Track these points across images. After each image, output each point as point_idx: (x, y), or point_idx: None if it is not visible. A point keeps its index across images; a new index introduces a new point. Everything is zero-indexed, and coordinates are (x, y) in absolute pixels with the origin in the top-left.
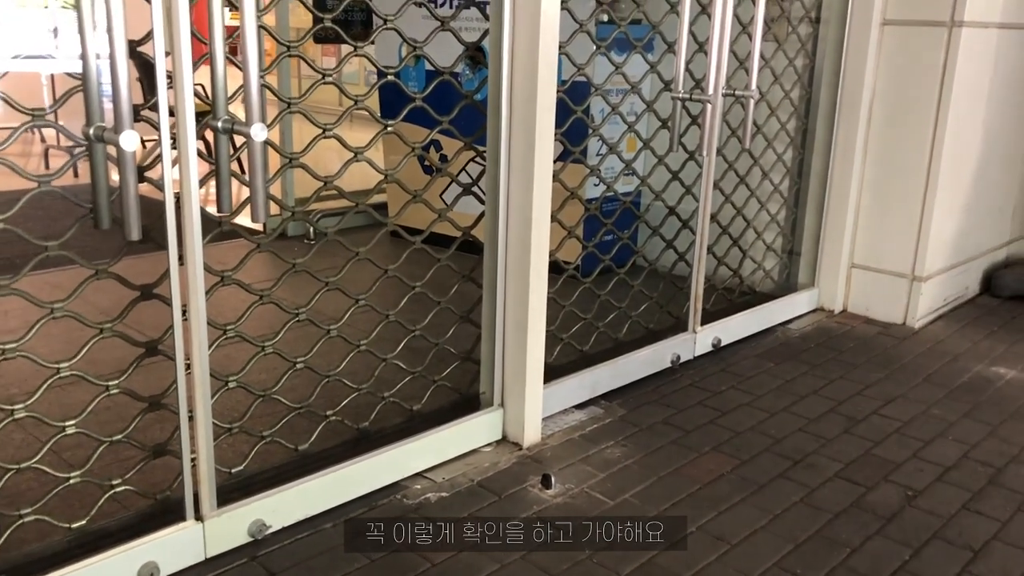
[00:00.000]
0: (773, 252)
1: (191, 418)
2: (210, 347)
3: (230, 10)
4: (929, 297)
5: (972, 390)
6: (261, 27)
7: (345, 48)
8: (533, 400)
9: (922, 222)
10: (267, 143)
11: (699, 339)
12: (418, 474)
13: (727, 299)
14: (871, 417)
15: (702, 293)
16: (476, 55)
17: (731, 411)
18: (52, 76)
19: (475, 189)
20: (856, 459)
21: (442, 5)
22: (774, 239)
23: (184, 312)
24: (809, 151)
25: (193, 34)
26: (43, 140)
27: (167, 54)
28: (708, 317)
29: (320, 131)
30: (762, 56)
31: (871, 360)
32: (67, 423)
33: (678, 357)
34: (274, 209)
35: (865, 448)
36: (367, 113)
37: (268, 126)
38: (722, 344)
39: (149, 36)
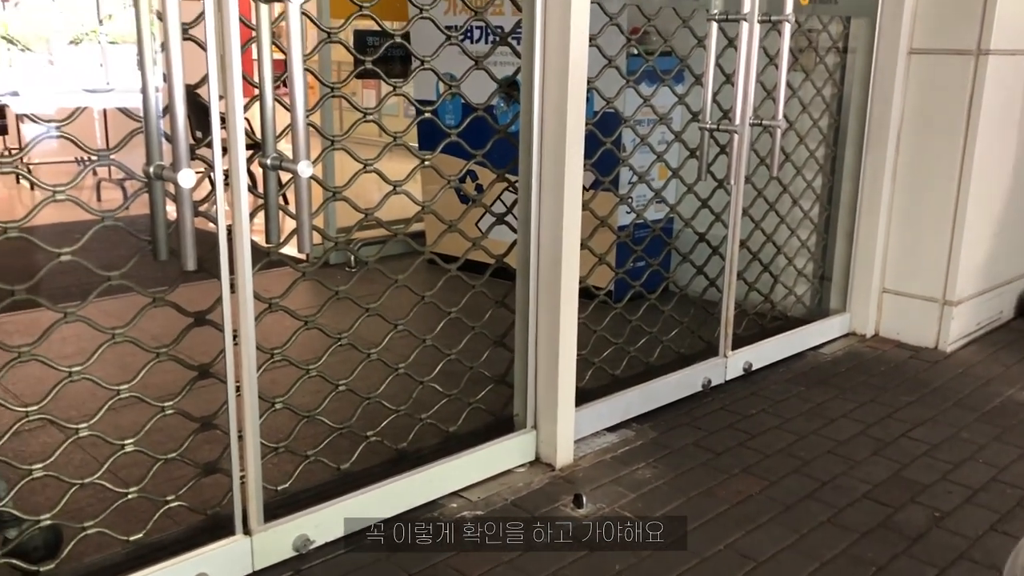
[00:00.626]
0: (804, 277)
1: (240, 438)
2: (258, 370)
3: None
4: (961, 321)
5: (1004, 414)
6: (307, 70)
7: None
8: (565, 422)
9: (952, 247)
10: (314, 177)
11: (730, 363)
12: (454, 493)
13: (759, 324)
14: (900, 440)
15: (733, 318)
16: (510, 90)
17: (761, 434)
18: (104, 111)
19: (509, 218)
20: (884, 481)
21: (478, 41)
22: (805, 265)
23: (235, 337)
24: (838, 178)
25: (244, 78)
26: (95, 173)
27: (220, 97)
28: (739, 342)
29: (361, 166)
30: (790, 86)
31: (902, 384)
32: (125, 441)
33: (709, 381)
34: (317, 239)
35: (894, 470)
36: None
37: (313, 162)
38: (753, 368)
39: (204, 80)
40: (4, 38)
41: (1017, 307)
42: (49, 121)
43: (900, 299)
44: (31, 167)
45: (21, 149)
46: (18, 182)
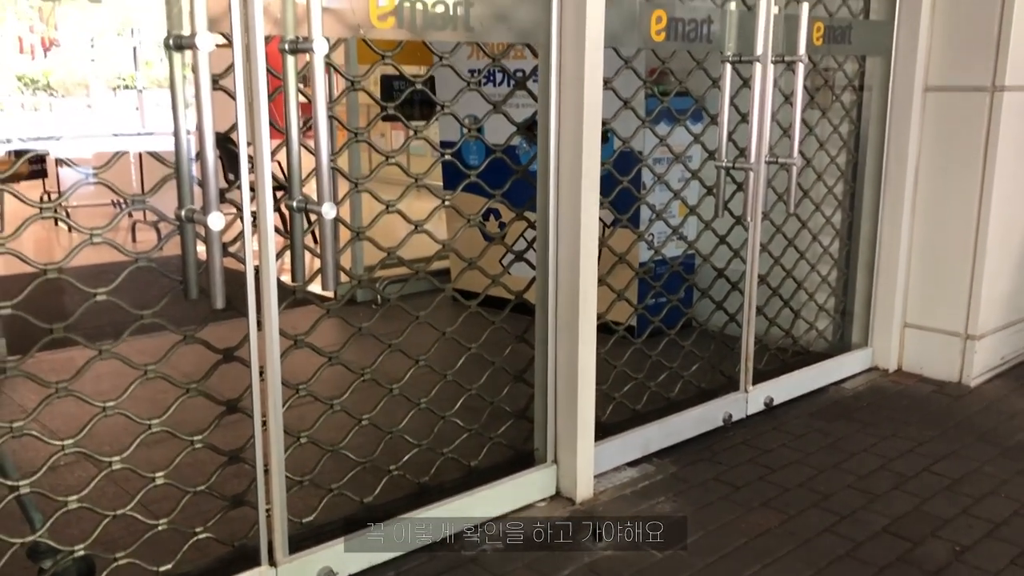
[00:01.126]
0: (825, 312)
1: (266, 471)
2: (284, 405)
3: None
4: (984, 355)
5: None
6: (332, 117)
7: (413, 122)
8: (585, 457)
9: (973, 280)
10: (337, 219)
11: (751, 398)
12: (474, 527)
13: (780, 359)
14: (922, 474)
15: (753, 353)
16: (532, 131)
17: (781, 468)
18: (140, 155)
19: (529, 254)
20: (904, 515)
21: (501, 84)
22: (826, 299)
23: (261, 373)
24: (858, 213)
25: (271, 124)
26: (131, 215)
27: (249, 143)
28: (760, 376)
29: (384, 207)
30: (806, 124)
31: (924, 418)
32: (156, 475)
33: (730, 416)
34: (344, 277)
35: (914, 504)
36: (431, 181)
37: (338, 203)
38: (774, 403)
39: (233, 128)
40: (44, 89)
41: None
42: (85, 167)
43: (922, 333)
44: (69, 210)
45: (60, 193)
46: (56, 224)
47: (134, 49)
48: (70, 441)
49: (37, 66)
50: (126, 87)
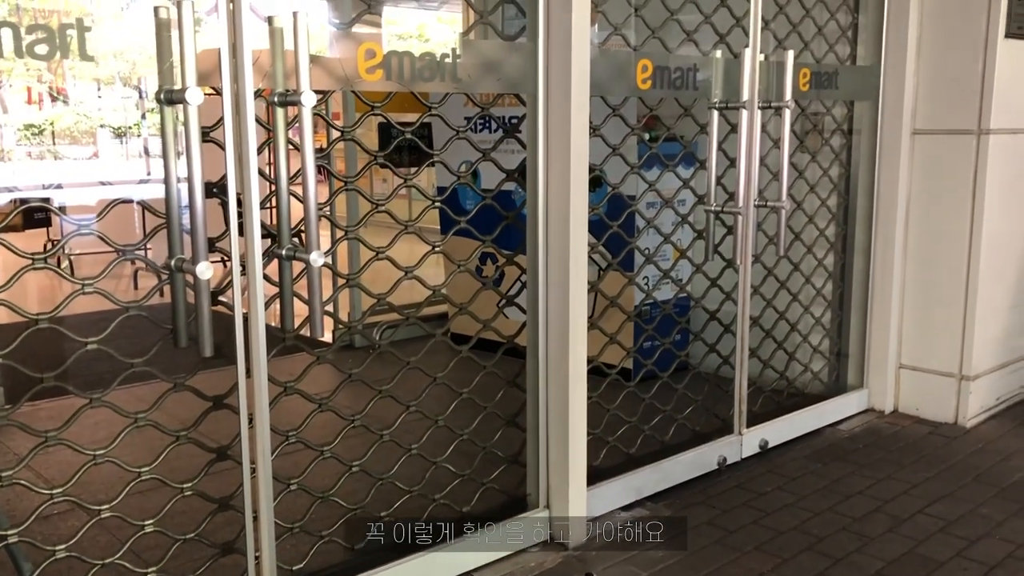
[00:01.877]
0: (820, 354)
1: (255, 518)
2: (273, 452)
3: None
4: (980, 396)
5: None
6: (322, 166)
7: (411, 168)
8: (577, 501)
9: (966, 321)
10: (327, 265)
11: (745, 441)
12: (467, 573)
13: (775, 401)
14: (916, 516)
15: (746, 395)
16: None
17: (775, 511)
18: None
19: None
20: (898, 558)
21: (496, 130)
22: (820, 341)
23: (250, 420)
24: (849, 255)
25: (260, 174)
26: (133, 263)
27: (238, 194)
28: (755, 419)
29: (374, 254)
30: (795, 167)
31: (920, 460)
32: (146, 522)
33: (724, 459)
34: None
35: (909, 547)
36: (430, 225)
37: (329, 249)
38: (769, 445)
39: (224, 178)
40: (52, 145)
41: None
42: (90, 215)
43: (917, 374)
44: (73, 259)
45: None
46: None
47: (139, 97)
48: (59, 490)
49: (44, 115)
50: (131, 135)
